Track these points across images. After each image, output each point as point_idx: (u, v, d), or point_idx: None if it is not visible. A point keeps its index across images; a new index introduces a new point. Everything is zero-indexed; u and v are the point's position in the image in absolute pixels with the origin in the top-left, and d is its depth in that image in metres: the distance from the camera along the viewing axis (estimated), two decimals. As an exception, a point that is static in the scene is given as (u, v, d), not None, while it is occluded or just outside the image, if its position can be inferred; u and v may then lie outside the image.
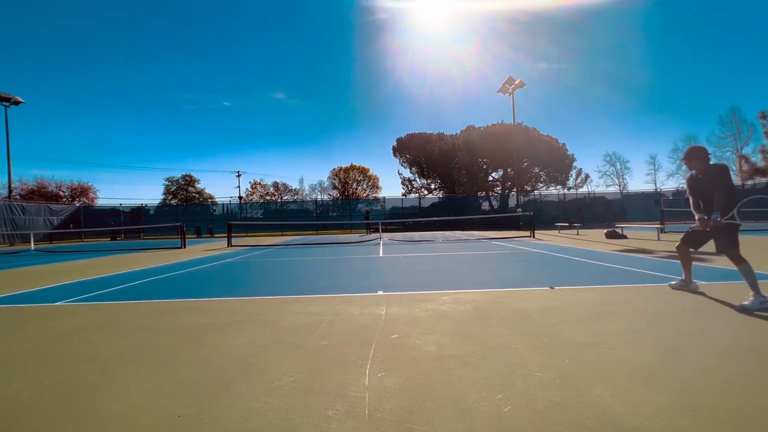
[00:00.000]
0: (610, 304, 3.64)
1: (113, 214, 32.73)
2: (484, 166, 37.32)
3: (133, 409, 1.81)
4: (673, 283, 4.36)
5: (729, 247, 3.61)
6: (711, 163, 3.86)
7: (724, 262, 6.15)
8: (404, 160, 45.12)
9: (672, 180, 52.71)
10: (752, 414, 1.61)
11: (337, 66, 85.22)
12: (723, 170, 3.70)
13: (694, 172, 3.96)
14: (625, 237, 13.22)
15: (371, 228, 24.48)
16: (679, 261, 4.18)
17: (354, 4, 78.50)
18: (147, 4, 73.67)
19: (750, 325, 2.87)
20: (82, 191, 40.90)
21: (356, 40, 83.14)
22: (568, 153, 36.48)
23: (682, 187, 41.51)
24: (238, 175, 52.62)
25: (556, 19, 65.78)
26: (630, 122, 76.18)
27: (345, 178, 52.92)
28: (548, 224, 25.05)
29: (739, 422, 1.54)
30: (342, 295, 4.51)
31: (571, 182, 37.50)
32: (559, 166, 36.06)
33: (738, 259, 3.57)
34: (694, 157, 3.85)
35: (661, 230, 14.30)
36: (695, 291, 4.07)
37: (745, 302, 3.38)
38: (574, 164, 37.24)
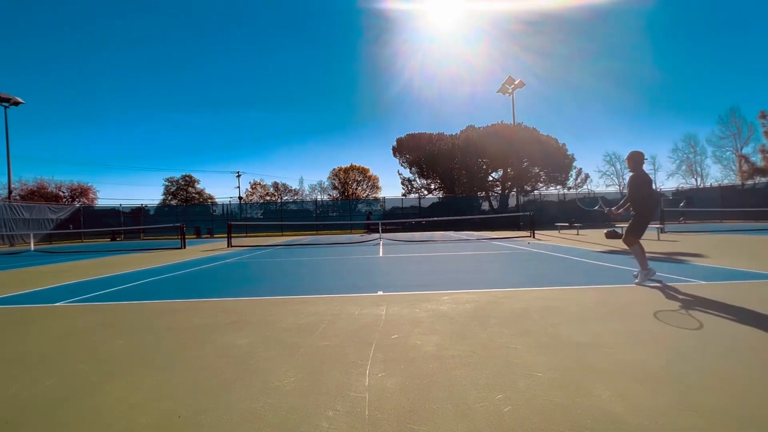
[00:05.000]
0: (610, 304, 3.64)
1: (113, 214, 32.71)
2: (484, 166, 37.29)
3: (133, 409, 1.81)
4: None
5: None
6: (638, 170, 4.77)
7: (723, 262, 6.15)
8: (404, 160, 45.07)
9: (672, 180, 52.81)
10: (752, 414, 1.61)
11: (338, 67, 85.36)
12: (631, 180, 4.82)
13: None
14: (625, 237, 13.19)
15: (371, 228, 24.48)
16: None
17: (353, 6, 78.52)
18: (148, 8, 73.73)
19: (750, 325, 2.87)
20: (82, 192, 40.84)
21: (356, 41, 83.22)
22: (568, 153, 36.45)
23: (682, 187, 41.54)
24: (238, 176, 52.63)
25: (556, 19, 65.73)
26: (630, 122, 76.22)
27: (345, 178, 52.92)
28: (548, 224, 25.03)
29: (740, 422, 1.54)
30: (342, 295, 4.51)
31: (571, 182, 37.49)
32: (559, 166, 36.03)
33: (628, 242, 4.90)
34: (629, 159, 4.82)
35: (661, 230, 14.29)
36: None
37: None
38: (574, 164, 37.20)
